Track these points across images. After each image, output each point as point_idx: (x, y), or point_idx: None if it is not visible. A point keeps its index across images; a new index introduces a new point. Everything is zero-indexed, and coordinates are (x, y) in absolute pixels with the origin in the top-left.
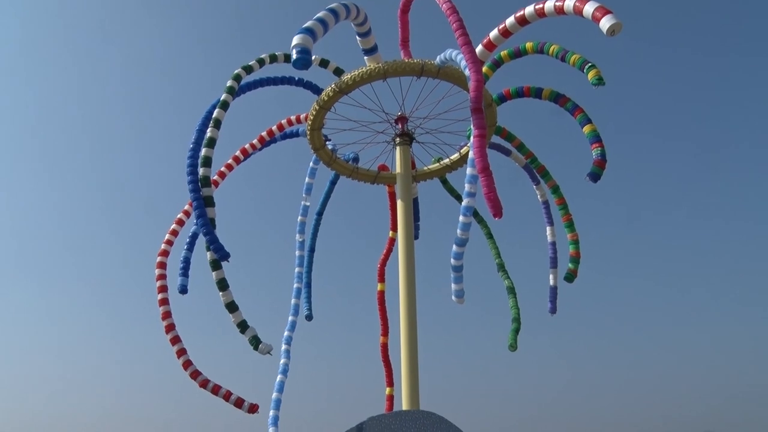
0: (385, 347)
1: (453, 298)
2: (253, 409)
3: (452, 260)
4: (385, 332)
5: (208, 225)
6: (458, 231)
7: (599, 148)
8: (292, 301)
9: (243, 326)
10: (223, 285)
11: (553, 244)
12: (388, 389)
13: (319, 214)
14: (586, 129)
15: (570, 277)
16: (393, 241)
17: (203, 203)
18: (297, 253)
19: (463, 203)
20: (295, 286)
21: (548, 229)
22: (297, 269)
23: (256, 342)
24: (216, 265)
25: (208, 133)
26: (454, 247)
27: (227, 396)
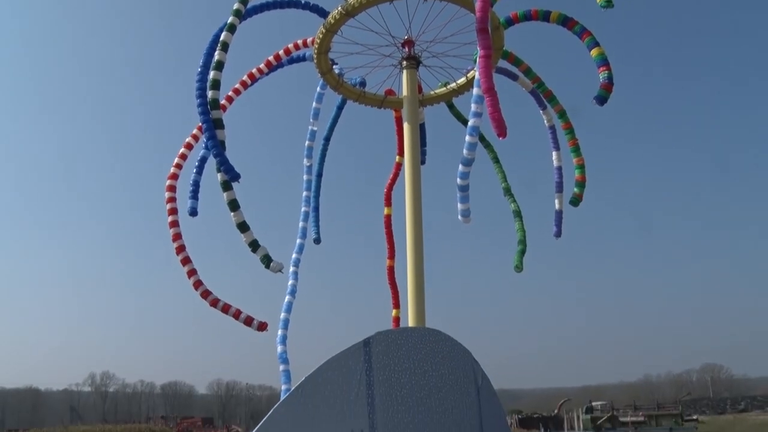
0: (391, 270)
1: (459, 217)
2: (262, 327)
3: (458, 180)
4: (392, 255)
5: (218, 147)
6: (464, 150)
7: (606, 72)
8: (300, 224)
9: (254, 245)
10: (234, 205)
11: (559, 168)
12: (394, 311)
13: (327, 139)
14: (594, 52)
15: (575, 201)
16: (399, 165)
17: (213, 125)
18: (305, 177)
19: (470, 123)
20: (303, 209)
21: (554, 153)
22: (305, 193)
23: (267, 260)
24: (227, 186)
25: (216, 56)
26: (460, 166)
27: (237, 314)
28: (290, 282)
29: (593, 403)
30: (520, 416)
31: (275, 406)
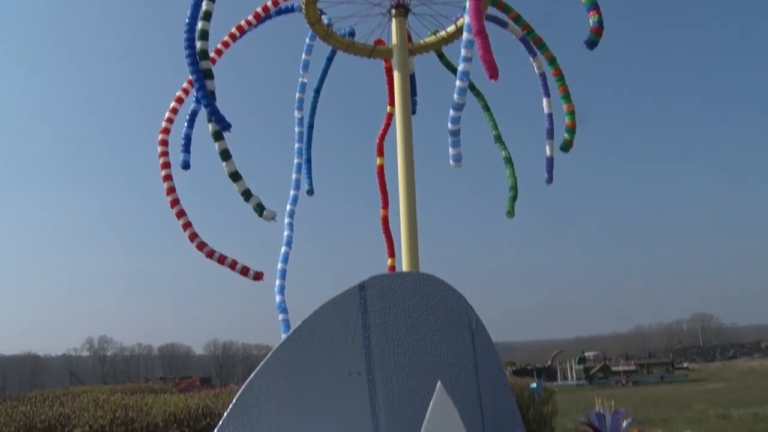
0: (385, 219)
1: (451, 162)
2: (258, 276)
3: (449, 125)
4: (386, 205)
5: (208, 97)
6: (455, 96)
7: (596, 15)
8: (293, 176)
9: (247, 194)
10: (226, 155)
11: (550, 115)
12: (389, 260)
13: (317, 90)
14: None
15: (566, 147)
16: (391, 116)
17: (203, 76)
18: (296, 129)
19: (460, 68)
20: (296, 161)
21: (544, 100)
22: (297, 145)
23: (260, 209)
24: (218, 136)
25: (204, 6)
26: (451, 111)
27: (233, 265)
28: (286, 233)
29: (586, 354)
30: (513, 368)
31: (273, 348)
